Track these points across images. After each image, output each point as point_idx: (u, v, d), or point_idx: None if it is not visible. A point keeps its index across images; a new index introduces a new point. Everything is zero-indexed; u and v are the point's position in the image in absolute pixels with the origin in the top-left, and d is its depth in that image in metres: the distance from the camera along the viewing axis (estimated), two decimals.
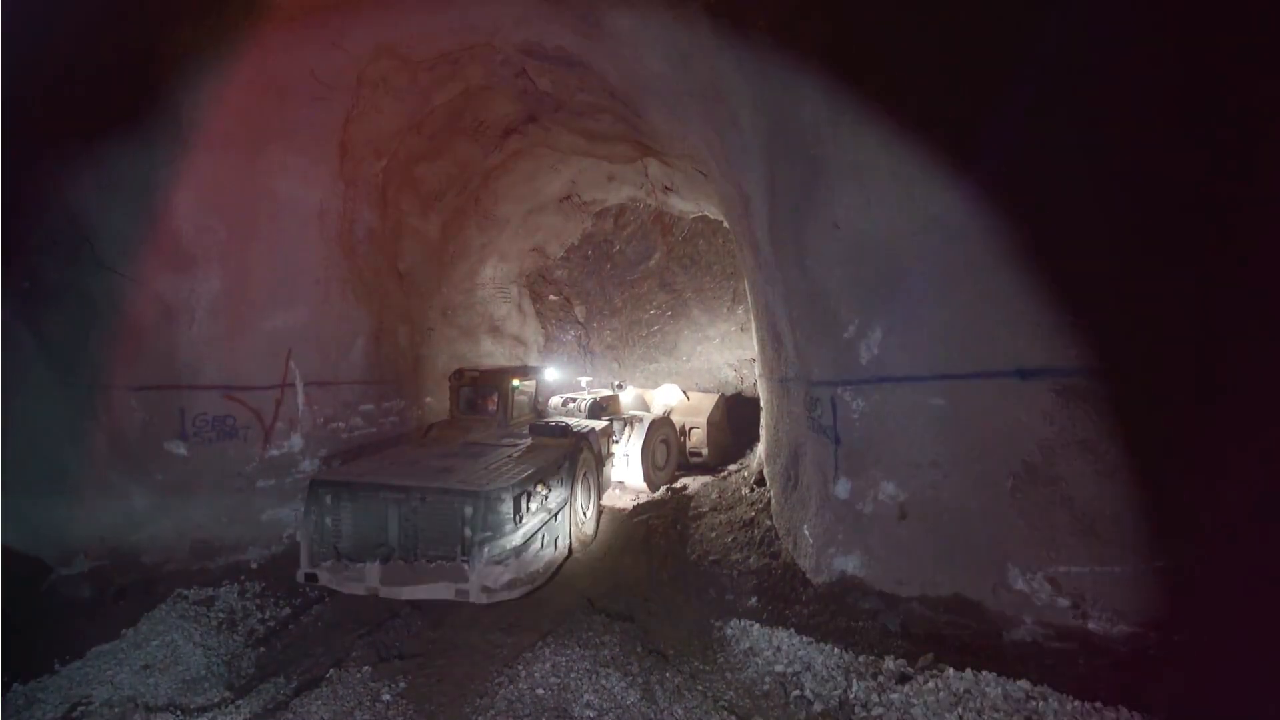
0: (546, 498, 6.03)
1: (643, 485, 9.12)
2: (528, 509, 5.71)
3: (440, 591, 5.42)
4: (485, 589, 5.35)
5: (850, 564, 4.46)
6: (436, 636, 5.39)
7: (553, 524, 6.10)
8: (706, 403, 10.88)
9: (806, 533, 4.93)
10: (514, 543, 5.48)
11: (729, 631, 4.76)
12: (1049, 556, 3.79)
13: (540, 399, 9.01)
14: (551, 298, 14.36)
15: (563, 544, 6.32)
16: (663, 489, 9.23)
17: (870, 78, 4.06)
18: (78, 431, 6.26)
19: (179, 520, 6.35)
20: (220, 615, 5.93)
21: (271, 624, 5.92)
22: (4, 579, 5.83)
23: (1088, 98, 3.62)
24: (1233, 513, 3.55)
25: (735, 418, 11.35)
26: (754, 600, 5.04)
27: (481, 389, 8.24)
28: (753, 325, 7.23)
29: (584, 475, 7.15)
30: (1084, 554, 3.73)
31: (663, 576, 5.99)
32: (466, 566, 5.37)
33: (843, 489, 4.48)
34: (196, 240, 6.04)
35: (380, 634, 5.45)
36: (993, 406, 3.99)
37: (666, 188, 11.61)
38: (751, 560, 5.65)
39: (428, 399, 10.00)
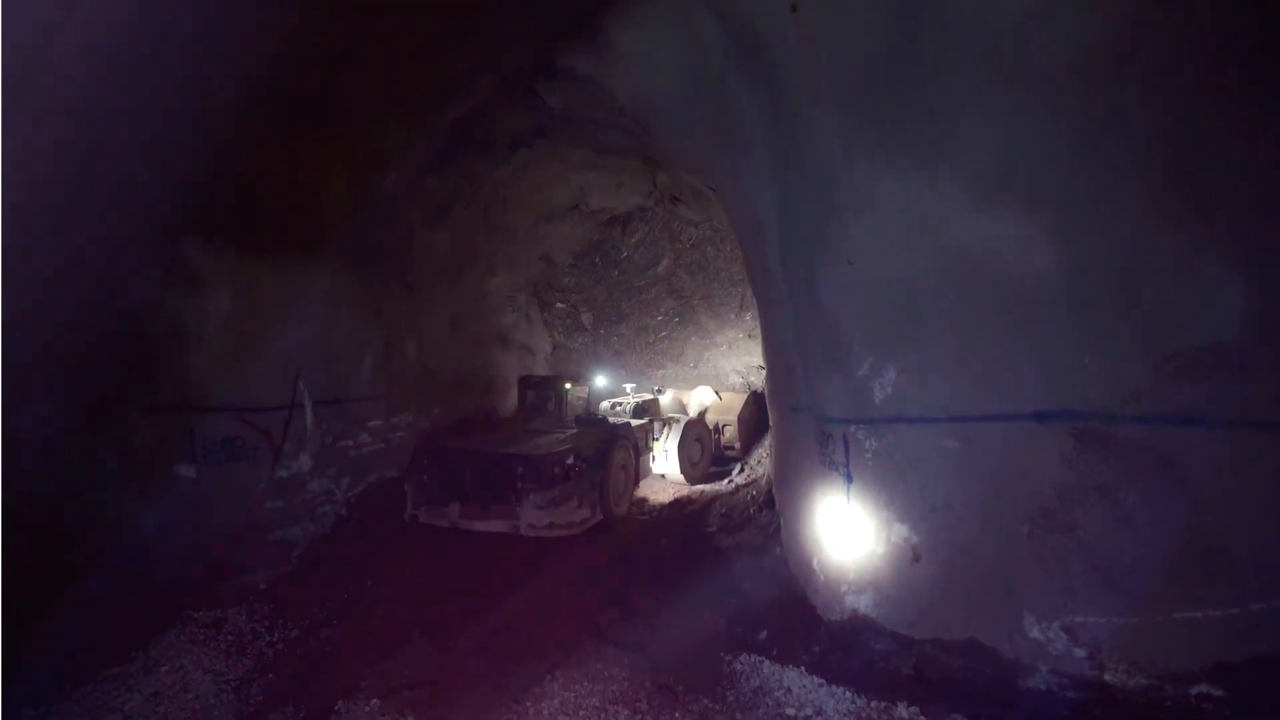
0: (582, 470, 7.68)
1: (680, 478, 10.40)
2: (564, 474, 7.39)
3: (499, 526, 7.30)
4: (530, 525, 7.18)
5: (863, 603, 4.41)
6: (445, 664, 5.39)
7: (588, 490, 7.75)
8: (737, 402, 11.85)
9: (817, 568, 4.88)
10: (553, 495, 7.24)
11: (739, 667, 4.73)
12: (1065, 605, 3.73)
13: (591, 402, 10.63)
14: (559, 305, 14.32)
15: (597, 510, 7.94)
16: (669, 504, 9.32)
17: (885, 110, 4.00)
18: (89, 451, 6.26)
19: (188, 541, 6.35)
20: (229, 638, 5.95)
21: (280, 646, 5.93)
22: (16, 599, 5.87)
23: (1110, 125, 3.56)
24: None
25: (764, 411, 11.65)
26: (763, 634, 5.00)
27: (542, 391, 10.09)
28: (761, 344, 7.18)
29: (620, 461, 8.64)
30: (1101, 604, 3.67)
31: (672, 604, 5.96)
32: (518, 509, 7.18)
33: (855, 528, 4.43)
34: (206, 262, 6.02)
35: (389, 661, 5.45)
36: (1009, 450, 3.93)
37: (675, 198, 11.56)
38: (762, 590, 5.61)
39: (435, 409, 9.98)
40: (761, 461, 10.43)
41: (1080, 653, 3.69)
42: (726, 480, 10.35)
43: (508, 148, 8.68)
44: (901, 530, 4.19)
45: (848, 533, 4.48)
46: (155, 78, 5.31)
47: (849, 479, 4.46)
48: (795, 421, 5.37)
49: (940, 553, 4.09)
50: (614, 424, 9.20)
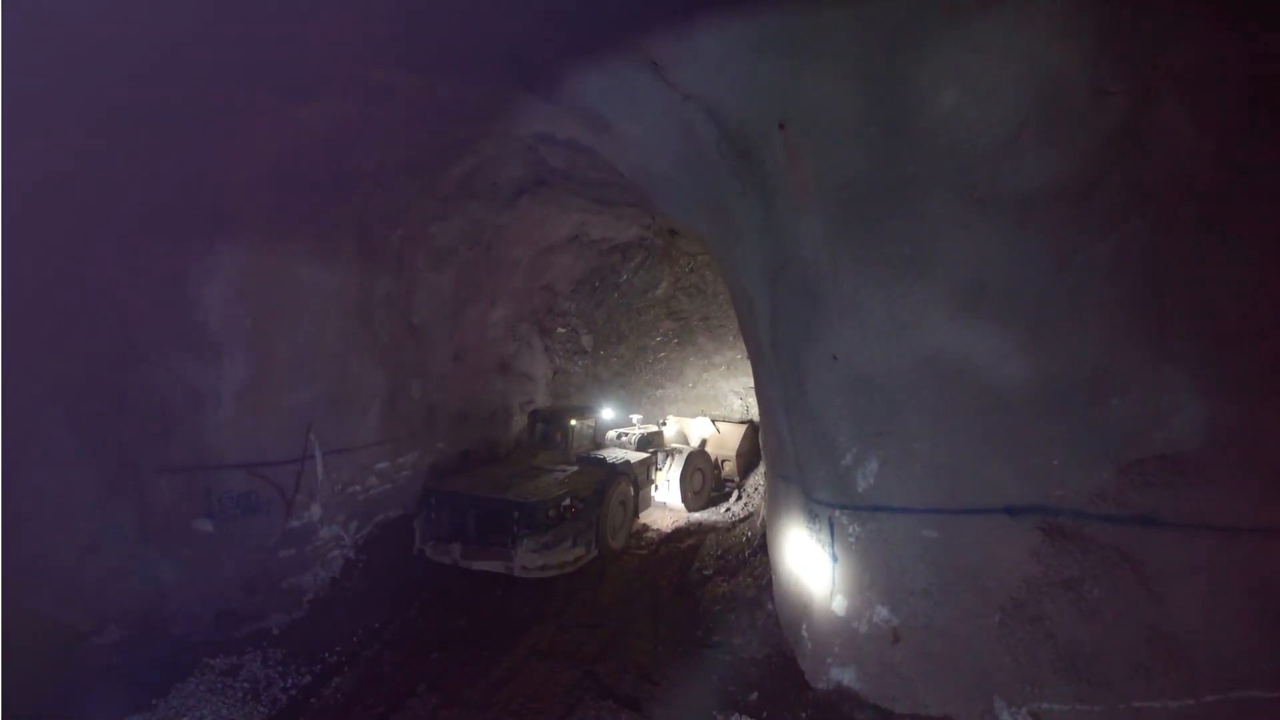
0: (578, 512, 8.07)
1: (681, 507, 10.67)
2: (559, 517, 7.81)
3: (496, 566, 7.66)
4: (524, 567, 7.55)
5: (846, 676, 4.68)
6: (451, 717, 5.67)
7: (584, 530, 8.12)
8: (734, 437, 11.99)
9: (805, 634, 5.14)
10: (546, 539, 7.63)
11: None
12: (1033, 692, 4.00)
13: (599, 433, 10.95)
14: (560, 330, 14.53)
15: (593, 547, 8.32)
16: (668, 537, 9.58)
17: (866, 223, 4.24)
18: (109, 507, 6.53)
19: (205, 591, 6.63)
20: (245, 685, 6.22)
21: (293, 692, 6.20)
22: (40, 647, 6.17)
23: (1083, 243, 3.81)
24: None
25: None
26: (755, 696, 5.26)
27: (550, 424, 10.54)
28: (755, 397, 7.41)
29: (618, 500, 9.03)
30: (1065, 691, 3.94)
31: (668, 655, 6.23)
32: (513, 551, 7.54)
33: (839, 605, 4.70)
34: (224, 330, 6.28)
35: (398, 716, 5.72)
36: (982, 542, 4.19)
37: (672, 231, 11.78)
38: (754, 647, 5.88)
39: (439, 444, 10.21)
40: (758, 489, 10.71)
41: None
42: (724, 508, 10.65)
43: (510, 195, 8.90)
44: (883, 612, 4.46)
45: (833, 609, 4.74)
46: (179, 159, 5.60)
47: (834, 558, 4.72)
48: (786, 490, 5.62)
49: (918, 635, 4.35)
50: (614, 463, 9.50)
